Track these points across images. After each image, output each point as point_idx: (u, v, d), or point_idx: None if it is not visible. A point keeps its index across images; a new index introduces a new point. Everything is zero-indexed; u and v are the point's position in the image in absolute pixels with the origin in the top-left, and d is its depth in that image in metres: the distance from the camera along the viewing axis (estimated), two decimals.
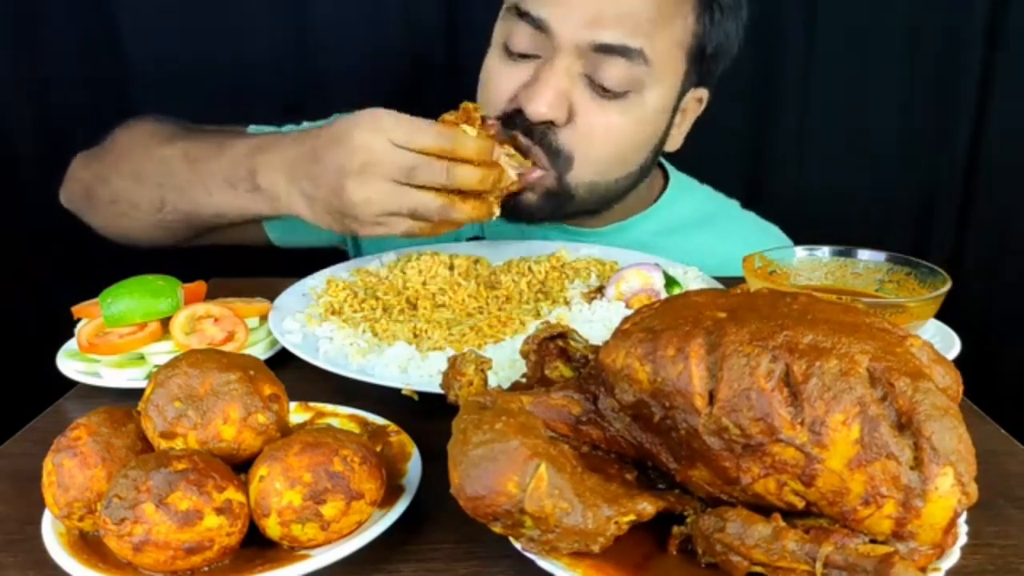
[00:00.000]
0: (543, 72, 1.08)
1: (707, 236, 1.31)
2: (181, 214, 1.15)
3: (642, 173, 1.22)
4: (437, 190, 0.95)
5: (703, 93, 1.24)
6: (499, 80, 1.13)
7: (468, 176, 0.95)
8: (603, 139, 1.11)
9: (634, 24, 1.07)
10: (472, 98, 1.21)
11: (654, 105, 1.13)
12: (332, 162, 0.94)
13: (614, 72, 1.07)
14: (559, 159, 1.10)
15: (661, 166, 1.38)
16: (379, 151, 0.92)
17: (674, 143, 1.25)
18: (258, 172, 1.03)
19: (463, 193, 0.97)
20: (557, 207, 1.16)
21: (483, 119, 1.01)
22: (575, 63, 1.08)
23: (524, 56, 1.11)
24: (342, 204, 0.95)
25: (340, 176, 0.94)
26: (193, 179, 1.10)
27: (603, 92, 1.09)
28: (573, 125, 1.09)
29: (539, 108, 1.06)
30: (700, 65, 1.18)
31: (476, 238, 1.30)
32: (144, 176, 1.16)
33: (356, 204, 0.94)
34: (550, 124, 1.09)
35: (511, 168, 1.03)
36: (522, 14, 1.09)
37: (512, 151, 1.07)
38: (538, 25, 1.08)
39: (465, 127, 0.97)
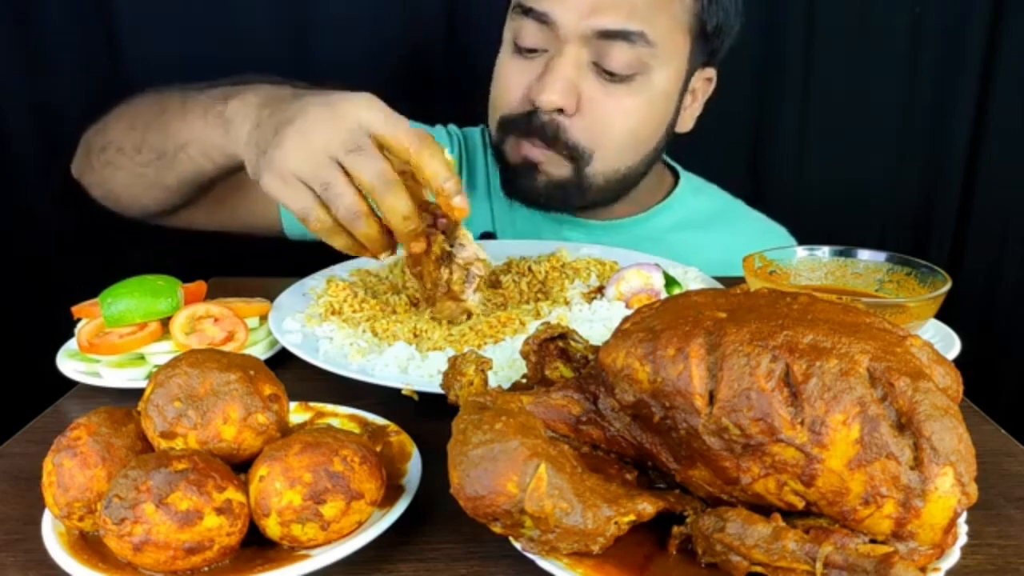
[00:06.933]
0: (552, 63, 1.13)
1: (718, 233, 1.34)
2: (155, 152, 1.11)
3: (656, 156, 1.26)
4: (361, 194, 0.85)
5: (711, 72, 1.27)
6: (511, 77, 1.19)
7: (397, 203, 0.84)
8: (618, 123, 1.16)
9: (633, 8, 1.11)
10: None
11: (662, 86, 1.18)
12: (299, 106, 0.88)
13: (619, 56, 1.12)
14: (576, 152, 1.16)
15: (671, 166, 1.41)
16: (344, 120, 0.85)
17: (685, 124, 1.28)
18: (231, 100, 1.00)
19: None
20: (570, 197, 1.20)
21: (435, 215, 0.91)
22: (582, 51, 1.13)
23: (533, 51, 1.16)
24: (269, 142, 0.88)
25: (293, 118, 0.87)
26: (178, 111, 1.08)
27: (611, 77, 1.14)
28: (587, 114, 1.14)
29: (550, 97, 1.12)
30: (704, 43, 1.21)
31: (487, 235, 1.31)
32: (136, 118, 1.15)
33: (279, 148, 0.86)
34: (562, 114, 1.13)
35: (481, 255, 0.92)
36: (527, 11, 1.14)
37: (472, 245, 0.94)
38: (542, 19, 1.13)
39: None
